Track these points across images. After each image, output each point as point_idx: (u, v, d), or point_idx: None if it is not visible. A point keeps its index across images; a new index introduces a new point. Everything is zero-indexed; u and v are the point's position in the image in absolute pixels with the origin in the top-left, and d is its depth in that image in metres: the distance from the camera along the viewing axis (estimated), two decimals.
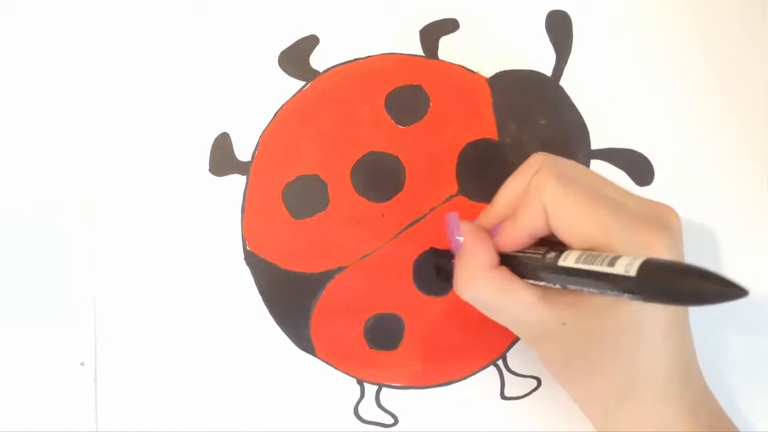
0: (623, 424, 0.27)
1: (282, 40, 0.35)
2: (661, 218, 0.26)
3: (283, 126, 0.34)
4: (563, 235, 0.26)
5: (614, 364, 0.26)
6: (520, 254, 0.28)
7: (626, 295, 0.22)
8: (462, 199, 0.34)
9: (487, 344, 0.33)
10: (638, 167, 0.34)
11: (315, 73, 0.35)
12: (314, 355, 0.33)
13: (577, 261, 0.24)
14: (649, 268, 0.21)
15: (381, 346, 0.33)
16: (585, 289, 0.24)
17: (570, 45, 0.35)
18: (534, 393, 0.33)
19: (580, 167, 0.28)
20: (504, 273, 0.27)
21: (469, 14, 0.35)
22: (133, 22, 0.35)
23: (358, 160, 0.34)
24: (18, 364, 0.33)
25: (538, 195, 0.26)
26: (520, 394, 0.33)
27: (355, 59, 0.35)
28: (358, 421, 0.33)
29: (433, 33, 0.35)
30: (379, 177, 0.34)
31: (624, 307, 0.25)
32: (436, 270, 0.33)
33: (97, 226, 0.34)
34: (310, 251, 0.34)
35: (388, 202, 0.34)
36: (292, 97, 0.35)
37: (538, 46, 0.35)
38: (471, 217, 0.30)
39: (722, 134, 0.34)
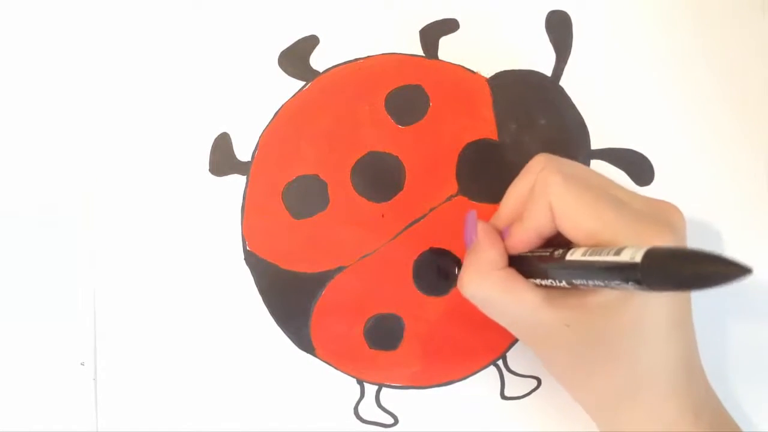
0: (626, 424, 0.27)
1: (282, 40, 0.35)
2: (665, 216, 0.26)
3: (283, 126, 0.34)
4: (569, 232, 0.26)
5: (617, 365, 0.26)
6: (528, 254, 0.28)
7: (631, 284, 0.22)
8: (462, 199, 0.34)
9: (487, 344, 0.33)
10: (638, 167, 0.34)
11: (315, 73, 0.35)
12: (314, 355, 0.33)
13: (583, 255, 0.25)
14: (654, 254, 0.22)
15: (381, 346, 0.33)
16: (591, 283, 0.24)
17: (570, 45, 0.35)
18: (534, 393, 0.33)
19: (584, 167, 0.28)
20: (510, 273, 0.27)
21: (469, 14, 0.35)
22: (133, 22, 0.35)
23: (358, 160, 0.34)
24: (18, 364, 0.33)
25: (544, 193, 0.26)
26: (520, 394, 0.33)
27: (355, 59, 0.35)
28: (358, 421, 0.33)
29: (433, 33, 0.35)
30: (379, 177, 0.34)
31: (627, 308, 0.25)
32: (438, 270, 0.33)
33: (97, 226, 0.34)
34: (310, 251, 0.34)
35: (388, 202, 0.34)
36: (292, 97, 0.35)
37: (538, 46, 0.35)
38: None
39: (722, 134, 0.34)
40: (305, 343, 0.33)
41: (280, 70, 0.35)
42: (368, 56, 0.35)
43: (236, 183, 0.34)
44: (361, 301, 0.33)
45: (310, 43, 0.35)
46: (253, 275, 0.34)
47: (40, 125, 0.35)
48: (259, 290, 0.34)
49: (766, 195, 0.34)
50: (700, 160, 0.34)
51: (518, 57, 0.35)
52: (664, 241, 0.25)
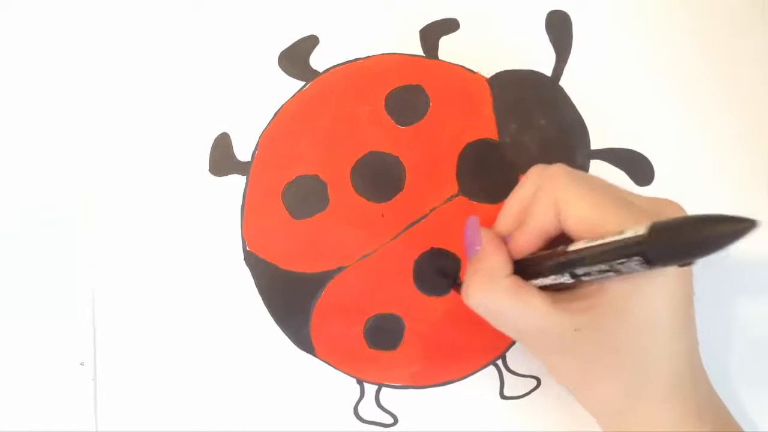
0: (631, 425, 0.27)
1: (282, 40, 0.35)
2: (668, 212, 0.26)
3: (283, 126, 0.34)
4: (574, 226, 0.26)
5: (626, 366, 0.26)
6: (530, 256, 0.28)
7: (636, 261, 0.22)
8: (462, 199, 0.34)
9: (486, 344, 0.33)
10: (638, 167, 0.34)
11: (315, 73, 0.35)
12: (314, 355, 0.33)
13: (586, 243, 0.25)
14: (658, 226, 0.22)
15: (381, 346, 0.33)
16: (595, 269, 0.24)
17: (570, 45, 0.35)
18: (533, 392, 0.33)
19: (584, 171, 0.28)
20: (517, 281, 0.27)
21: (469, 14, 0.35)
22: (133, 22, 0.35)
23: (358, 160, 0.34)
24: (18, 364, 0.33)
25: (551, 190, 0.27)
26: (519, 394, 0.33)
27: (355, 59, 0.35)
28: (358, 421, 0.33)
29: (433, 33, 0.35)
30: (379, 177, 0.34)
31: (633, 307, 0.25)
32: (438, 271, 0.33)
33: (97, 226, 0.34)
34: (310, 251, 0.34)
35: (388, 202, 0.34)
36: (292, 97, 0.35)
37: (538, 46, 0.35)
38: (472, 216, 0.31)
39: (722, 134, 0.34)
40: (305, 343, 0.33)
41: (280, 70, 0.35)
42: (368, 56, 0.35)
43: (236, 183, 0.34)
44: (361, 301, 0.33)
45: (310, 43, 0.35)
46: (252, 275, 0.34)
47: (40, 125, 0.35)
48: (258, 290, 0.34)
49: (766, 195, 0.34)
50: (700, 160, 0.34)
51: (518, 57, 0.35)
52: None
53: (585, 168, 0.34)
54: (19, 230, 0.34)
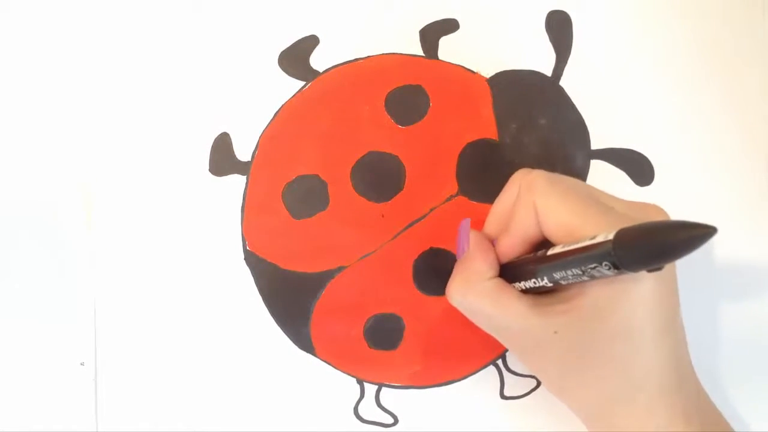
0: (617, 428, 0.27)
1: (282, 40, 0.35)
2: (649, 217, 0.27)
3: (283, 126, 0.34)
4: (553, 230, 0.26)
5: (607, 371, 0.26)
6: (513, 260, 0.29)
7: (606, 265, 0.23)
8: (462, 199, 0.34)
9: (486, 344, 0.33)
10: (638, 167, 0.34)
11: (315, 73, 0.35)
12: (314, 355, 0.33)
13: (563, 247, 0.25)
14: (625, 231, 0.22)
15: (381, 346, 0.33)
16: (570, 273, 0.25)
17: (570, 45, 0.35)
18: (533, 392, 0.33)
19: (565, 176, 0.29)
20: (498, 283, 0.28)
21: (469, 14, 0.35)
22: (133, 22, 0.35)
23: (358, 160, 0.34)
24: (18, 364, 0.33)
25: (529, 195, 0.27)
26: (519, 394, 0.33)
27: (355, 59, 0.35)
28: (358, 421, 0.33)
29: (433, 33, 0.35)
30: (379, 177, 0.34)
31: (614, 312, 0.25)
32: (438, 270, 0.33)
33: (97, 226, 0.34)
34: (310, 251, 0.34)
35: (388, 202, 0.34)
36: (292, 97, 0.35)
37: (538, 46, 0.35)
38: (471, 217, 0.31)
39: (722, 134, 0.34)
40: (305, 343, 0.33)
41: (280, 70, 0.35)
42: (368, 56, 0.35)
43: (236, 183, 0.34)
44: (361, 301, 0.33)
45: (310, 43, 0.35)
46: (253, 275, 0.34)
47: (40, 125, 0.35)
48: (259, 290, 0.34)
49: (766, 195, 0.34)
50: (700, 160, 0.34)
51: (518, 57, 0.35)
52: None
53: (585, 168, 0.34)
54: (19, 230, 0.34)
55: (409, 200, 0.34)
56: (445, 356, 0.33)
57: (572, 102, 0.35)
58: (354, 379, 0.33)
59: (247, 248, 0.34)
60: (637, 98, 0.35)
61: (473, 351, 0.33)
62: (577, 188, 0.27)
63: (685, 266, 0.26)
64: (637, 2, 0.35)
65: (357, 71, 0.35)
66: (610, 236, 0.23)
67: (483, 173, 0.34)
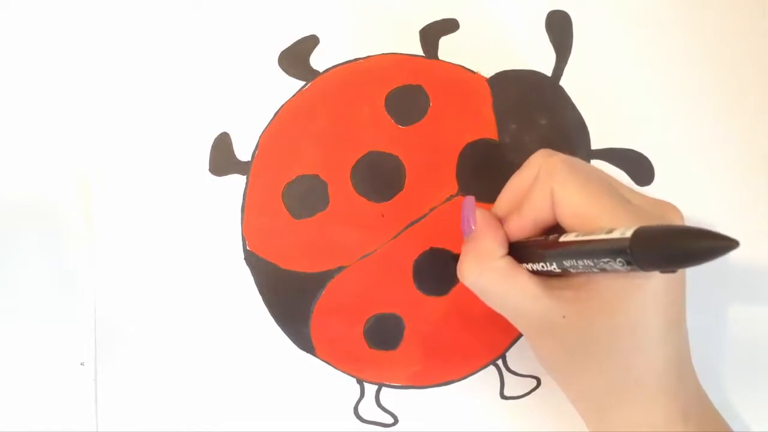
0: (615, 424, 0.27)
1: (282, 40, 0.35)
2: (665, 215, 0.27)
3: (283, 126, 0.34)
4: (567, 219, 0.26)
5: (610, 363, 0.26)
6: (523, 240, 0.28)
7: (620, 261, 0.23)
8: (462, 199, 0.34)
9: (486, 344, 0.33)
10: (638, 167, 0.34)
11: (315, 73, 0.35)
12: (314, 355, 0.33)
13: (576, 236, 0.25)
14: (643, 231, 0.22)
15: (381, 346, 0.33)
16: (581, 263, 0.24)
17: (570, 45, 0.35)
18: (534, 393, 0.33)
19: (586, 163, 0.29)
20: (510, 262, 0.28)
21: (469, 14, 0.35)
22: (133, 22, 0.35)
23: (358, 160, 0.34)
24: (18, 364, 0.33)
25: (548, 180, 0.27)
26: (519, 394, 0.33)
27: (355, 59, 0.35)
28: (358, 421, 0.33)
29: (433, 33, 0.35)
30: (379, 177, 0.34)
31: (624, 305, 0.25)
32: (438, 270, 0.33)
33: (97, 226, 0.34)
34: (310, 251, 0.34)
35: (388, 202, 0.34)
36: (292, 97, 0.35)
37: (538, 46, 0.35)
38: None
39: (722, 134, 0.34)
40: (305, 343, 0.33)
41: (280, 70, 0.35)
42: (368, 56, 0.35)
43: (236, 183, 0.34)
44: (361, 301, 0.33)
45: (310, 43, 0.35)
46: (253, 275, 0.34)
47: (40, 125, 0.35)
48: (259, 290, 0.34)
49: (766, 195, 0.34)
50: (700, 160, 0.34)
51: (518, 57, 0.35)
52: None
53: None
54: (19, 230, 0.34)
55: (409, 200, 0.34)
56: (445, 356, 0.33)
57: (572, 102, 0.35)
58: (354, 379, 0.33)
59: (247, 248, 0.34)
60: (637, 98, 0.35)
61: (473, 351, 0.33)
62: (596, 177, 0.27)
63: None
64: (637, 2, 0.35)
65: (357, 71, 0.35)
66: (628, 233, 0.22)
67: (483, 173, 0.34)
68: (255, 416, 0.33)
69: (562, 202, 0.26)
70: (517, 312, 0.28)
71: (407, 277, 0.33)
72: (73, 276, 0.34)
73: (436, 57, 0.35)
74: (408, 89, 0.34)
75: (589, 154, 0.34)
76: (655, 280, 0.25)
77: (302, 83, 0.35)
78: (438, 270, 0.33)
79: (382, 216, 0.34)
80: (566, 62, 0.35)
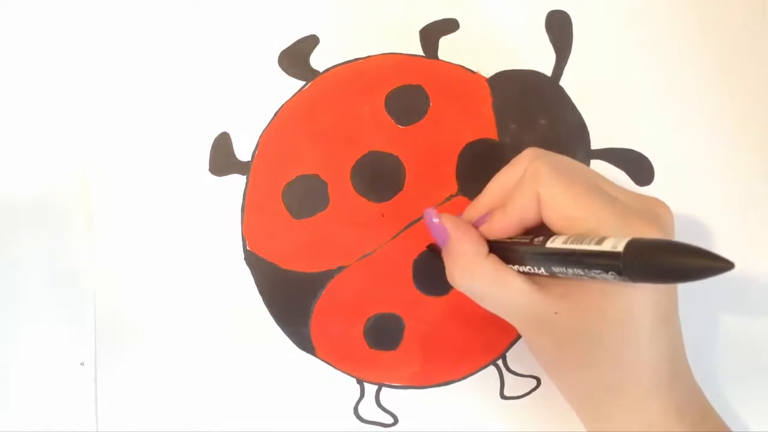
0: (608, 421, 0.27)
1: (282, 40, 0.35)
2: (653, 211, 0.26)
3: (283, 126, 0.34)
4: (554, 221, 0.26)
5: (602, 358, 0.26)
6: (507, 240, 0.28)
7: (611, 274, 0.22)
8: (462, 199, 0.34)
9: (486, 344, 0.33)
10: (638, 167, 0.34)
11: (315, 73, 0.35)
12: (314, 354, 0.33)
13: (564, 243, 0.25)
14: (636, 245, 0.22)
15: (381, 346, 0.33)
16: (570, 272, 0.24)
17: (570, 45, 0.35)
18: (533, 393, 0.33)
19: (575, 161, 0.28)
20: (495, 262, 0.28)
21: (469, 14, 0.35)
22: (133, 22, 0.35)
23: (358, 160, 0.34)
24: (18, 364, 0.33)
25: (533, 181, 0.27)
26: (519, 394, 0.33)
27: (355, 59, 0.35)
28: (358, 421, 0.33)
29: (433, 33, 0.35)
30: (379, 177, 0.34)
31: (614, 303, 0.25)
32: (438, 268, 0.33)
33: (97, 226, 0.34)
34: (310, 251, 0.34)
35: (388, 202, 0.34)
36: (292, 97, 0.35)
37: (538, 46, 0.35)
38: None
39: (722, 134, 0.34)
40: (305, 343, 0.33)
41: (280, 70, 0.35)
42: (368, 56, 0.35)
43: (236, 183, 0.34)
44: (361, 301, 0.33)
45: (310, 43, 0.35)
46: (253, 275, 0.34)
47: (40, 125, 0.35)
48: (259, 290, 0.34)
49: (765, 195, 0.34)
50: (700, 160, 0.34)
51: (518, 57, 0.35)
52: (650, 234, 0.25)
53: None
54: (19, 231, 0.34)
55: (409, 200, 0.34)
56: (445, 356, 0.33)
57: (572, 102, 0.35)
58: (354, 379, 0.33)
59: (247, 248, 0.34)
60: (637, 98, 0.35)
61: (473, 351, 0.33)
62: (582, 177, 0.27)
63: None
64: (637, 2, 0.35)
65: (357, 71, 0.35)
66: (620, 246, 0.22)
67: (483, 173, 0.34)
68: (255, 416, 0.33)
69: (548, 205, 0.26)
70: (511, 309, 0.28)
71: (407, 277, 0.33)
72: (73, 276, 0.34)
73: (436, 57, 0.35)
74: (408, 89, 0.34)
75: (589, 154, 0.34)
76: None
77: (302, 83, 0.35)
78: (438, 270, 0.33)
79: (382, 216, 0.34)
80: (566, 62, 0.35)
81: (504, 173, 0.29)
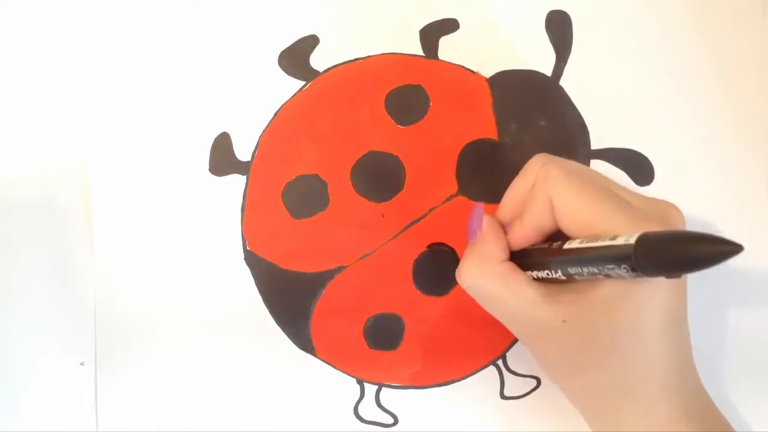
0: (617, 423, 0.27)
1: (282, 40, 0.35)
2: (665, 214, 0.27)
3: (283, 126, 0.34)
4: (569, 226, 0.26)
5: (611, 362, 0.26)
6: (527, 248, 0.28)
7: (624, 268, 0.23)
8: (462, 199, 0.34)
9: (486, 344, 0.33)
10: (638, 167, 0.34)
11: (315, 73, 0.35)
12: (314, 355, 0.33)
13: (580, 244, 0.25)
14: (648, 237, 0.22)
15: (381, 346, 0.33)
16: (586, 270, 0.24)
17: (570, 45, 0.35)
18: (533, 393, 0.33)
19: (584, 166, 0.29)
20: (510, 267, 0.28)
21: (469, 14, 0.35)
22: (133, 22, 0.35)
23: (358, 160, 0.34)
24: (18, 364, 0.33)
25: (544, 187, 0.27)
26: (519, 394, 0.33)
27: (355, 59, 0.35)
28: (358, 421, 0.33)
29: (433, 33, 0.35)
30: (379, 177, 0.34)
31: (623, 306, 0.25)
32: (437, 267, 0.33)
33: (97, 226, 0.34)
34: (310, 251, 0.34)
35: (388, 202, 0.34)
36: (292, 97, 0.35)
37: (538, 46, 0.35)
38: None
39: (722, 134, 0.34)
40: (305, 343, 0.33)
41: (280, 70, 0.35)
42: (368, 56, 0.35)
43: (236, 183, 0.34)
44: (361, 301, 0.33)
45: (310, 43, 0.35)
46: (253, 275, 0.34)
47: (39, 124, 0.35)
48: (259, 290, 0.34)
49: (766, 195, 0.34)
50: (700, 160, 0.34)
51: (518, 57, 0.35)
52: None
53: None
54: (19, 231, 0.34)
55: (409, 200, 0.34)
56: (445, 356, 0.33)
57: (572, 102, 0.35)
58: (354, 379, 0.33)
59: (247, 248, 0.34)
60: (637, 98, 0.35)
61: (473, 351, 0.33)
62: (594, 181, 0.27)
63: None
64: (637, 2, 0.35)
65: (357, 71, 0.35)
66: (632, 240, 0.22)
67: (483, 173, 0.34)
68: (255, 416, 0.33)
69: (561, 209, 0.26)
70: (516, 317, 0.28)
71: (407, 277, 0.33)
72: (73, 276, 0.34)
73: (436, 57, 0.35)
74: (408, 89, 0.34)
75: (589, 154, 0.34)
76: (656, 280, 0.25)
77: (302, 83, 0.35)
78: (438, 270, 0.33)
79: (382, 216, 0.34)
80: (566, 62, 0.35)
81: (517, 183, 0.29)
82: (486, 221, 0.29)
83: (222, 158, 0.34)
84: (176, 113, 0.35)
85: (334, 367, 0.33)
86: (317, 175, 0.34)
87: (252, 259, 0.34)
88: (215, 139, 0.34)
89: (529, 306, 0.27)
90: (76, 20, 0.35)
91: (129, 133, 0.34)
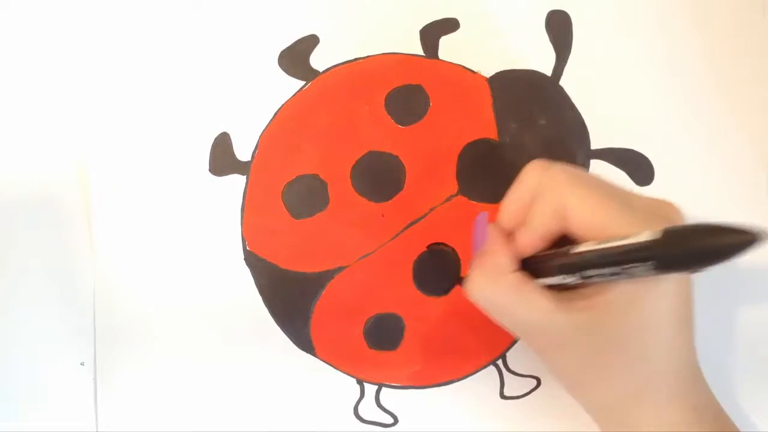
0: (633, 426, 0.27)
1: (282, 40, 0.35)
2: (666, 213, 0.27)
3: (283, 126, 0.34)
4: (582, 230, 0.26)
5: (625, 367, 0.26)
6: (537, 254, 0.28)
7: (650, 264, 0.22)
8: (462, 199, 0.34)
9: (486, 344, 0.33)
10: (638, 167, 0.34)
11: (315, 73, 0.35)
12: (314, 355, 0.33)
13: (597, 245, 0.25)
14: (673, 231, 0.22)
15: (381, 346, 0.33)
16: (607, 271, 0.24)
17: (570, 45, 0.35)
18: (533, 392, 0.33)
19: (582, 170, 0.28)
20: (521, 277, 0.27)
21: (469, 14, 0.35)
22: (133, 22, 0.35)
23: (358, 160, 0.34)
24: (18, 364, 0.33)
25: (553, 193, 0.26)
26: (519, 394, 0.33)
27: (355, 59, 0.35)
28: (358, 421, 0.33)
29: (433, 33, 0.35)
30: (379, 177, 0.34)
31: (635, 308, 0.25)
32: (438, 268, 0.33)
33: (97, 226, 0.34)
34: (310, 251, 0.34)
35: (388, 202, 0.34)
36: (292, 97, 0.35)
37: (538, 46, 0.35)
38: (470, 216, 0.31)
39: (722, 134, 0.34)
40: (305, 343, 0.33)
41: (280, 70, 0.35)
42: (368, 56, 0.35)
43: (236, 183, 0.34)
44: (361, 301, 0.33)
45: (310, 43, 0.35)
46: (253, 275, 0.34)
47: (39, 124, 0.35)
48: (259, 290, 0.34)
49: (766, 195, 0.34)
50: (700, 160, 0.34)
51: (518, 57, 0.35)
52: None
53: (585, 168, 0.34)
54: (19, 231, 0.34)
55: (409, 200, 0.34)
56: (445, 356, 0.33)
57: (572, 102, 0.35)
58: (354, 379, 0.33)
59: (247, 248, 0.34)
60: (637, 98, 0.35)
61: (473, 351, 0.33)
62: (599, 184, 0.27)
63: None
64: (637, 2, 0.35)
65: (357, 71, 0.35)
66: (657, 235, 0.22)
67: (483, 173, 0.34)
68: (255, 416, 0.33)
69: (573, 215, 0.26)
70: (529, 327, 0.28)
71: (407, 277, 0.33)
72: (73, 276, 0.34)
73: (436, 57, 0.35)
74: (408, 89, 0.34)
75: (588, 154, 0.34)
76: (665, 281, 0.25)
77: (302, 83, 0.35)
78: (438, 270, 0.33)
79: (382, 216, 0.34)
80: (566, 62, 0.35)
81: (516, 190, 0.28)
82: (493, 231, 0.28)
83: (222, 158, 0.34)
84: (176, 113, 0.35)
85: (334, 367, 0.33)
86: (317, 175, 0.34)
87: (252, 259, 0.34)
88: (215, 139, 0.34)
89: (542, 316, 0.26)
90: (76, 20, 0.35)
91: (129, 133, 0.34)
